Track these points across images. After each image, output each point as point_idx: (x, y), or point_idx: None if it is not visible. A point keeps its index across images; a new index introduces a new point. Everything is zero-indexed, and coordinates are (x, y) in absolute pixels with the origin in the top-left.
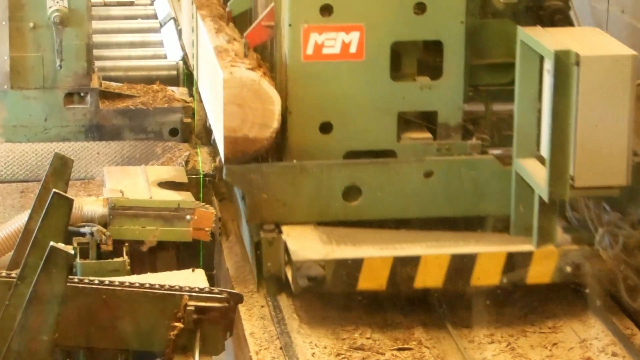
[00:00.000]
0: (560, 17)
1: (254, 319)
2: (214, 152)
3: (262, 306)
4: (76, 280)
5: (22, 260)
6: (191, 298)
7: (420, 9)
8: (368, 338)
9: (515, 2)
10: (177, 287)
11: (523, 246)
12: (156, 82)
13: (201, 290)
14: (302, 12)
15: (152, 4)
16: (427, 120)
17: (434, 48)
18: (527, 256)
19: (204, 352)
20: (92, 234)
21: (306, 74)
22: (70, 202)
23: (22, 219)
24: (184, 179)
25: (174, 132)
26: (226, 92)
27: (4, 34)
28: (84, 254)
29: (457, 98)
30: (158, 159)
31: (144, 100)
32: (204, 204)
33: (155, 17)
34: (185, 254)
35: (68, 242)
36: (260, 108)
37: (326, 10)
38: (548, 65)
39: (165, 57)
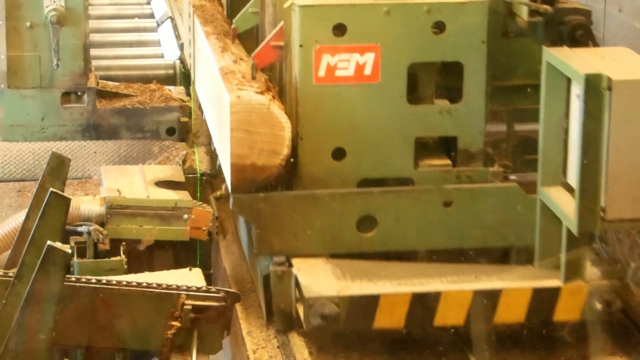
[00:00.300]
0: (581, 33)
1: (251, 317)
2: (211, 152)
3: (259, 305)
4: (73, 279)
5: (20, 259)
6: (188, 297)
7: (439, 28)
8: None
9: (541, 21)
10: (174, 286)
11: (550, 281)
12: (153, 81)
13: (198, 289)
14: (313, 32)
15: (149, 3)
16: (446, 146)
17: (454, 69)
18: (554, 292)
19: (202, 350)
20: (89, 233)
21: (318, 98)
22: (67, 201)
23: (19, 218)
24: (181, 178)
25: (171, 131)
26: (233, 117)
27: (1, 33)
28: (81, 253)
29: (478, 122)
30: (155, 158)
31: (141, 100)
32: (201, 203)
33: (152, 16)
34: (182, 253)
35: (65, 241)
36: (269, 134)
37: (339, 29)
38: (577, 90)
39: (162, 56)
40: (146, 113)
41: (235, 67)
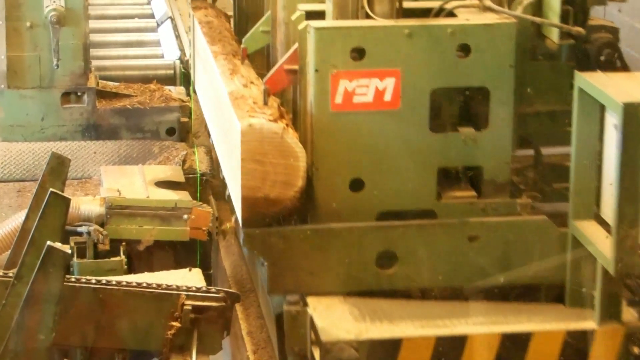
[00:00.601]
0: (609, 52)
1: (251, 318)
2: (211, 152)
3: (259, 306)
4: (73, 279)
5: (19, 259)
6: (188, 297)
7: (464, 51)
8: None
9: (572, 43)
10: (174, 287)
11: (583, 323)
12: (153, 82)
13: (198, 289)
14: (330, 56)
15: (149, 3)
16: (471, 176)
17: (479, 95)
18: (588, 335)
19: (201, 351)
20: (89, 233)
21: (335, 125)
22: (67, 201)
23: (19, 218)
24: (181, 178)
25: (171, 132)
26: (244, 146)
27: (1, 33)
28: (81, 254)
29: (505, 151)
30: (155, 158)
31: (141, 100)
32: (201, 203)
33: (152, 16)
34: (182, 253)
35: (65, 241)
36: (283, 164)
37: (357, 53)
38: (614, 119)
39: (162, 56)
40: (146, 113)
41: (245, 92)
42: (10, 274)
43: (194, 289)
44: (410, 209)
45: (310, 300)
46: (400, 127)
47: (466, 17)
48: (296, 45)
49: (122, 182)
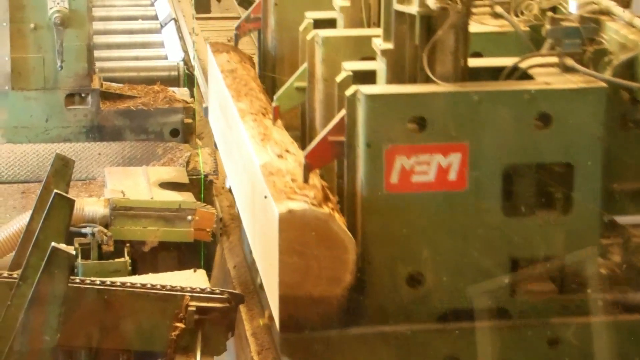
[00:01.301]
0: None
1: (255, 319)
2: (214, 153)
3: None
4: (77, 280)
5: (24, 261)
6: (192, 298)
7: (544, 121)
8: None
9: None
10: (178, 288)
11: None
12: (157, 83)
13: (202, 290)
14: (384, 128)
15: (152, 5)
16: (551, 268)
17: (561, 172)
18: None
19: (206, 352)
20: (93, 234)
21: (390, 210)
22: (71, 202)
23: (23, 219)
24: (185, 179)
25: (174, 133)
26: (283, 236)
27: (5, 35)
28: (85, 255)
29: (592, 238)
30: (159, 160)
31: (145, 101)
32: (204, 204)
33: (155, 17)
34: (186, 254)
35: (69, 242)
36: (328, 257)
37: (417, 124)
38: None
39: (165, 57)
40: (150, 114)
41: (281, 165)
42: (15, 275)
43: (198, 290)
44: (479, 308)
45: None
46: (468, 211)
47: (545, 80)
48: (342, 112)
49: (126, 183)
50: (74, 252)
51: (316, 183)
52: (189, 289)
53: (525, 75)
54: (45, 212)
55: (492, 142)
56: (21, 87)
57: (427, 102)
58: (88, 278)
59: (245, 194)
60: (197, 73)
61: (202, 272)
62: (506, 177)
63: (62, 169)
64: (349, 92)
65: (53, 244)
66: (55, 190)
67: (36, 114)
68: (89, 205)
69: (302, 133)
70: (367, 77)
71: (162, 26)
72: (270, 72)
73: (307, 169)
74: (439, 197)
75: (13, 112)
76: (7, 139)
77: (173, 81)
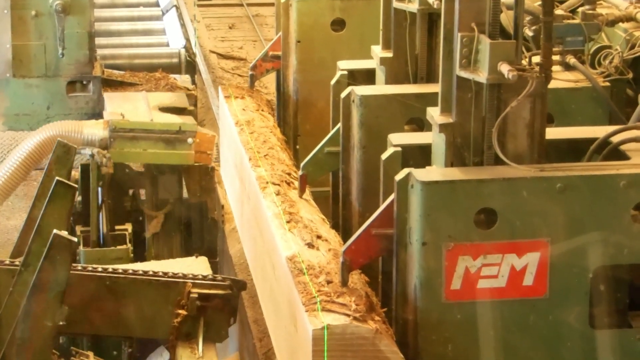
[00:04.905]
0: None
1: (257, 305)
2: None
3: None
4: (79, 267)
5: (26, 247)
6: (194, 285)
7: None
8: None
9: None
10: (180, 275)
11: None
12: (158, 70)
13: (204, 277)
14: (445, 221)
15: None
16: None
17: None
18: None
19: (208, 338)
20: (92, 155)
21: (451, 322)
22: (73, 189)
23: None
24: (185, 104)
25: None
26: (317, 357)
27: (6, 23)
28: (87, 242)
29: None
30: None
31: (147, 88)
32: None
33: (157, 4)
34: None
35: (71, 230)
36: None
37: (486, 217)
38: None
39: (167, 44)
40: None
41: (312, 257)
42: (17, 262)
43: (200, 277)
44: None
45: None
46: (548, 323)
47: None
48: (391, 199)
49: (126, 106)
50: (76, 240)
51: (358, 287)
52: (190, 275)
53: (617, 153)
54: (47, 199)
55: (579, 238)
56: (22, 74)
57: (497, 190)
58: (90, 265)
59: (267, 286)
60: (199, 60)
61: (203, 259)
62: (595, 281)
63: (64, 156)
64: (399, 176)
65: (55, 231)
66: (57, 177)
67: (37, 101)
68: (88, 128)
69: (332, 193)
70: (421, 154)
71: (163, 13)
72: (291, 119)
73: (347, 269)
74: (512, 305)
75: (14, 100)
76: (8, 127)
77: (174, 68)
